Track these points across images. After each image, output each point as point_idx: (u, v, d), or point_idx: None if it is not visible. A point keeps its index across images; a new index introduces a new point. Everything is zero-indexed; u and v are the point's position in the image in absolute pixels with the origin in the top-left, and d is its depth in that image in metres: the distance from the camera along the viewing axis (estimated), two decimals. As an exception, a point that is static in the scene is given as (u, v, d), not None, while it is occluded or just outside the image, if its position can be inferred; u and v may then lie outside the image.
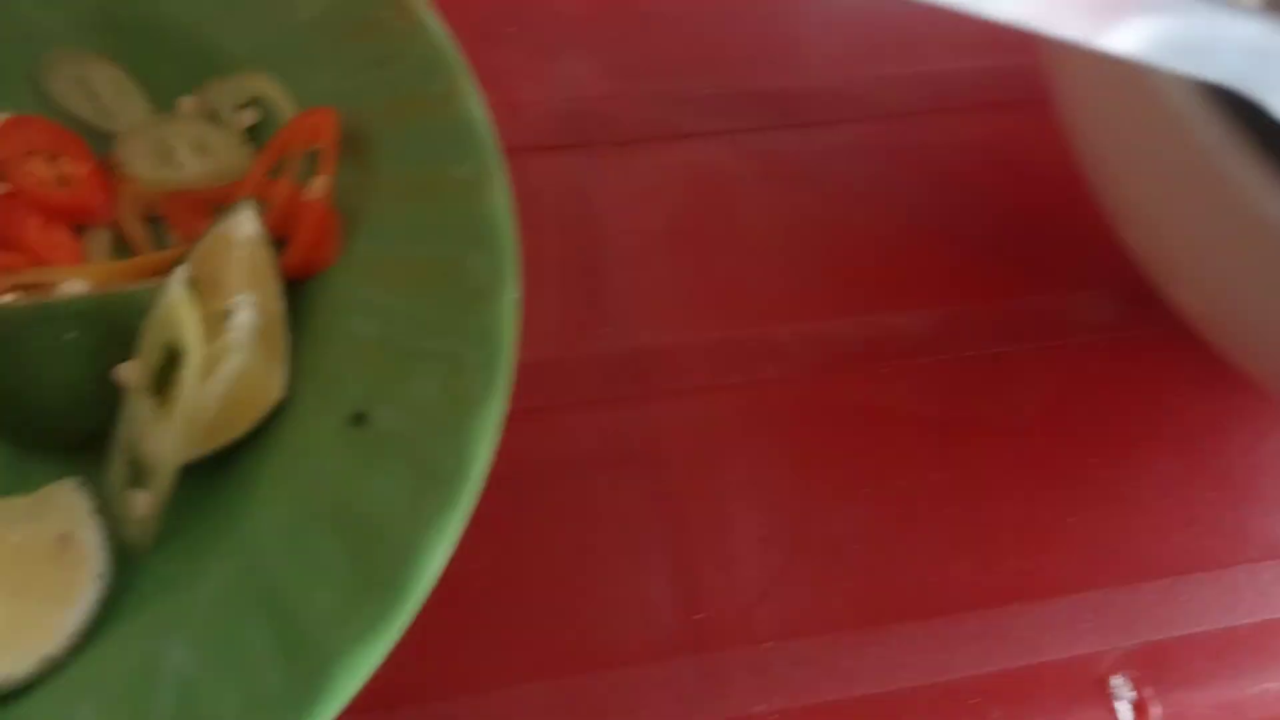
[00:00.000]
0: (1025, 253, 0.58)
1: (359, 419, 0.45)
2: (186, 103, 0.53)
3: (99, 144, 0.53)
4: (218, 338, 0.45)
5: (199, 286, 0.47)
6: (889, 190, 0.60)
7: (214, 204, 0.51)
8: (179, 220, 0.51)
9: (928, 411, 0.55)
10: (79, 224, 0.51)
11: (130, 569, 0.44)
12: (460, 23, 0.51)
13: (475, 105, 0.49)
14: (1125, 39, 0.34)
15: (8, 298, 0.46)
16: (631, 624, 0.49)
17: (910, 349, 0.56)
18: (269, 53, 0.52)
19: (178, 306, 0.45)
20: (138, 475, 0.44)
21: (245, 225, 0.47)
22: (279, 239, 0.49)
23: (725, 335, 0.56)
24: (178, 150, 0.51)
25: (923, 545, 0.52)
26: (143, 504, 0.44)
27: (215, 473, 0.45)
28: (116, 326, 0.45)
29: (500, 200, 0.47)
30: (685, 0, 0.62)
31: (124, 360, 0.45)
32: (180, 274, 0.45)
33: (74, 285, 0.46)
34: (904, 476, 0.54)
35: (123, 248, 0.51)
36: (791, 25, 0.63)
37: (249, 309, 0.45)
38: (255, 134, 0.52)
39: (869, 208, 0.59)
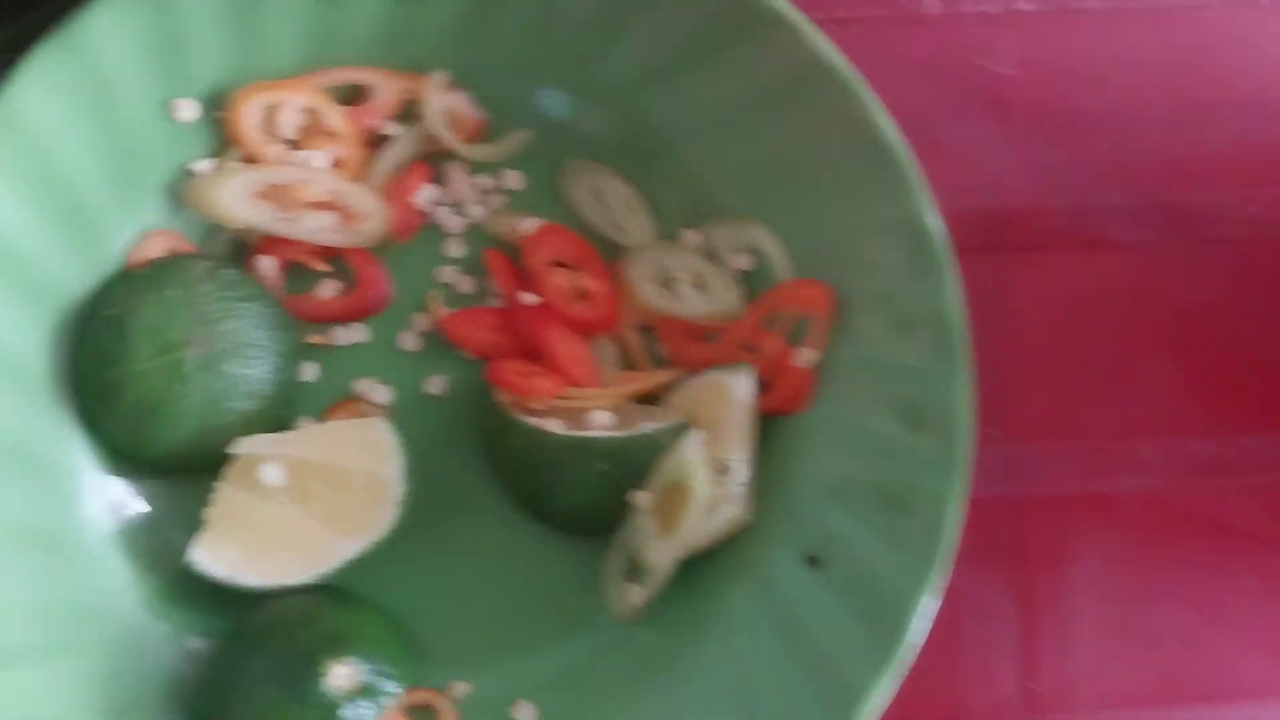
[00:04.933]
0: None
1: (814, 562, 0.59)
2: (690, 236, 0.64)
3: (607, 252, 0.65)
4: (721, 482, 0.59)
5: (703, 428, 0.60)
6: (1262, 310, 0.68)
7: (704, 332, 0.63)
8: (670, 338, 0.64)
9: (1262, 527, 0.67)
10: (591, 334, 0.64)
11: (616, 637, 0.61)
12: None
13: (952, 297, 0.58)
14: None
15: (553, 422, 0.61)
16: (977, 687, 0.65)
17: (1258, 467, 0.67)
18: (764, 203, 0.62)
19: (693, 462, 0.59)
20: (634, 571, 0.61)
21: (744, 387, 0.60)
22: (761, 381, 0.62)
23: (1094, 445, 0.67)
24: (679, 282, 0.63)
25: (1229, 642, 0.65)
26: (637, 595, 0.60)
27: (689, 572, 0.61)
28: (636, 461, 0.60)
29: (961, 396, 0.57)
30: (1103, 107, 0.68)
31: (635, 483, 0.60)
32: (697, 437, 0.59)
33: (602, 417, 0.61)
34: (1227, 583, 0.66)
35: (622, 354, 0.65)
36: (1201, 136, 0.69)
37: (745, 467, 0.60)
38: (749, 277, 0.63)
39: (1244, 326, 0.68)
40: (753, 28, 0.58)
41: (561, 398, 0.61)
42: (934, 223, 0.57)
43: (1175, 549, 0.66)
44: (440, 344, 0.63)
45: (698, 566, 0.60)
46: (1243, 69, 0.69)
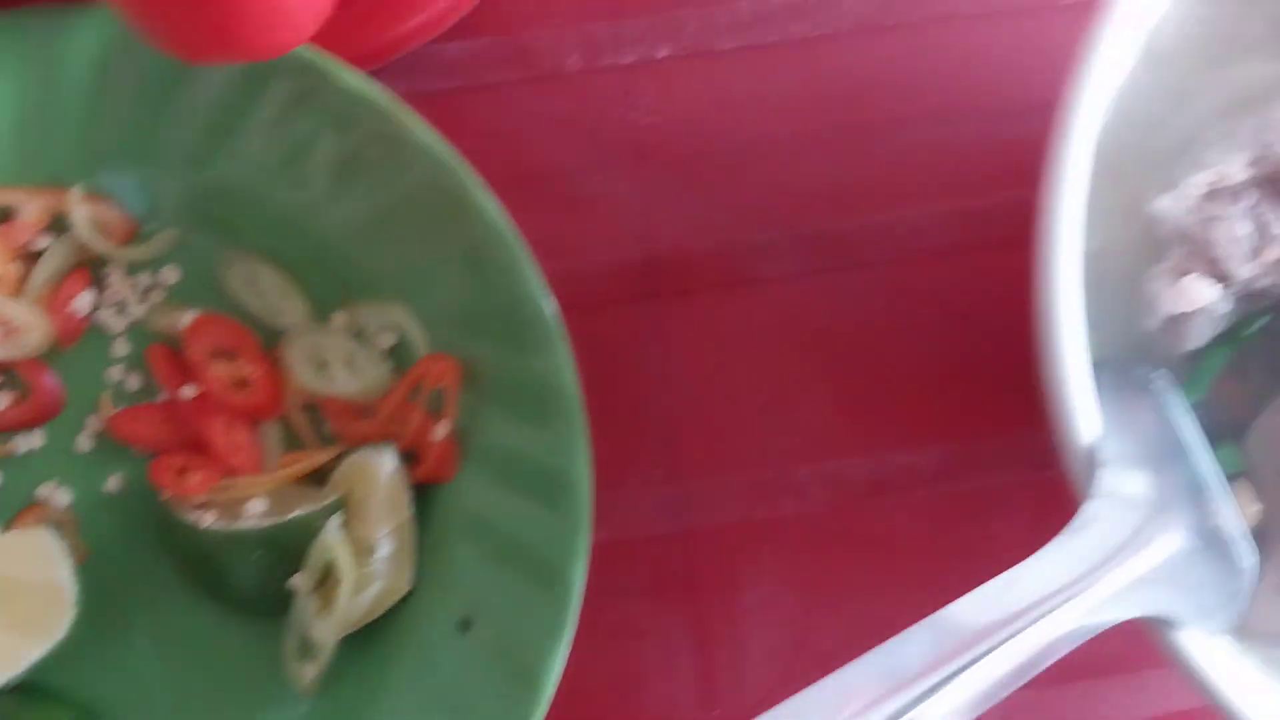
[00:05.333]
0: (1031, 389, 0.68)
1: (465, 625, 0.63)
2: (339, 318, 0.67)
3: (270, 337, 0.67)
4: (366, 561, 0.63)
5: (349, 507, 0.64)
6: (912, 330, 0.71)
7: (362, 409, 0.66)
8: (334, 416, 0.67)
9: (918, 540, 0.70)
10: (255, 420, 0.67)
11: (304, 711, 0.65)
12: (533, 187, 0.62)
13: (565, 370, 0.61)
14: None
15: (208, 516, 0.64)
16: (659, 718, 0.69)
17: (912, 483, 0.70)
18: (404, 282, 0.65)
19: (335, 545, 0.62)
20: (305, 650, 0.64)
21: (387, 464, 0.63)
22: (409, 452, 0.65)
23: (757, 475, 0.70)
24: (331, 364, 0.66)
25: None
26: (309, 672, 0.64)
27: (357, 641, 0.64)
28: (290, 546, 0.63)
29: (579, 463, 0.61)
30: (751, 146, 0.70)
31: (296, 568, 0.64)
32: (336, 520, 0.62)
33: (256, 505, 0.64)
34: (889, 596, 0.69)
35: (290, 434, 0.68)
36: (845, 163, 0.71)
37: (389, 543, 0.63)
38: (397, 354, 0.66)
39: (895, 348, 0.71)
40: (337, 111, 0.60)
41: (218, 488, 0.64)
42: (544, 302, 0.61)
43: (837, 567, 0.70)
44: (114, 443, 0.66)
45: (366, 636, 0.64)
46: (886, 94, 0.71)
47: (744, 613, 0.70)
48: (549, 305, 0.60)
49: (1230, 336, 0.61)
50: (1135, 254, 0.60)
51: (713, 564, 0.69)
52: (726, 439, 0.70)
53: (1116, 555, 0.50)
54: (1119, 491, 0.52)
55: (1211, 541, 0.58)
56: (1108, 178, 0.61)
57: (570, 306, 0.64)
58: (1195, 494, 0.58)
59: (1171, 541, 0.53)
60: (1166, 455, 0.57)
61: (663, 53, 0.71)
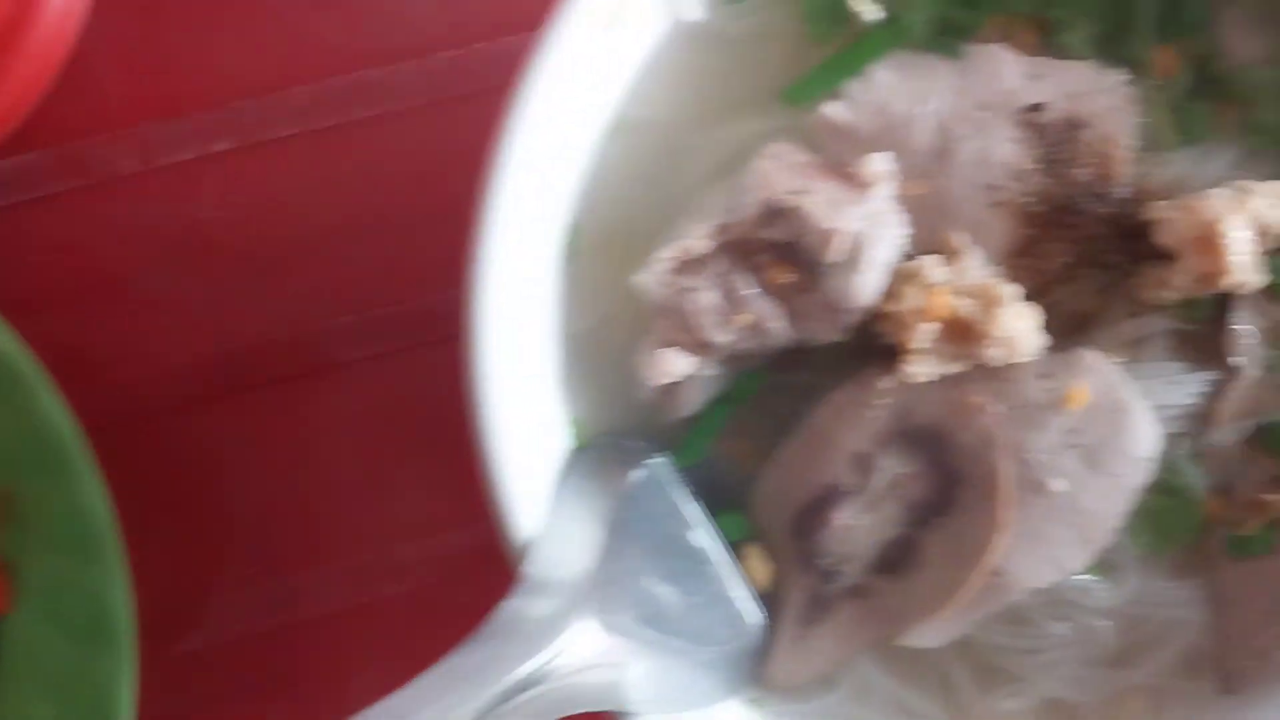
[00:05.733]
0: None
1: (34, 754, 0.63)
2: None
3: None
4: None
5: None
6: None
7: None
8: None
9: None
10: None
11: None
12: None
13: (94, 496, 0.61)
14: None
15: None
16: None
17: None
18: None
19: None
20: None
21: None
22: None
23: (355, 561, 0.70)
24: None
25: None
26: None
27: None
28: None
29: (117, 593, 0.61)
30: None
31: None
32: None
33: None
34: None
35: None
36: (419, 240, 0.70)
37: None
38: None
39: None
40: None
41: None
42: (65, 429, 0.61)
43: (444, 643, 0.69)
44: None
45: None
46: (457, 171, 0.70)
47: (352, 702, 0.69)
48: (70, 430, 0.60)
49: (728, 398, 0.60)
50: (632, 328, 0.59)
51: (318, 656, 0.69)
52: (323, 527, 0.70)
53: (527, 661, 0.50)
54: (551, 587, 0.51)
55: (713, 606, 0.58)
56: (599, 255, 0.60)
57: (153, 411, 0.64)
58: (693, 565, 0.57)
59: (611, 632, 0.52)
60: (651, 530, 0.56)
61: (222, 146, 0.70)
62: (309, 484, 0.69)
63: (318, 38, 0.69)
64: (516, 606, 0.50)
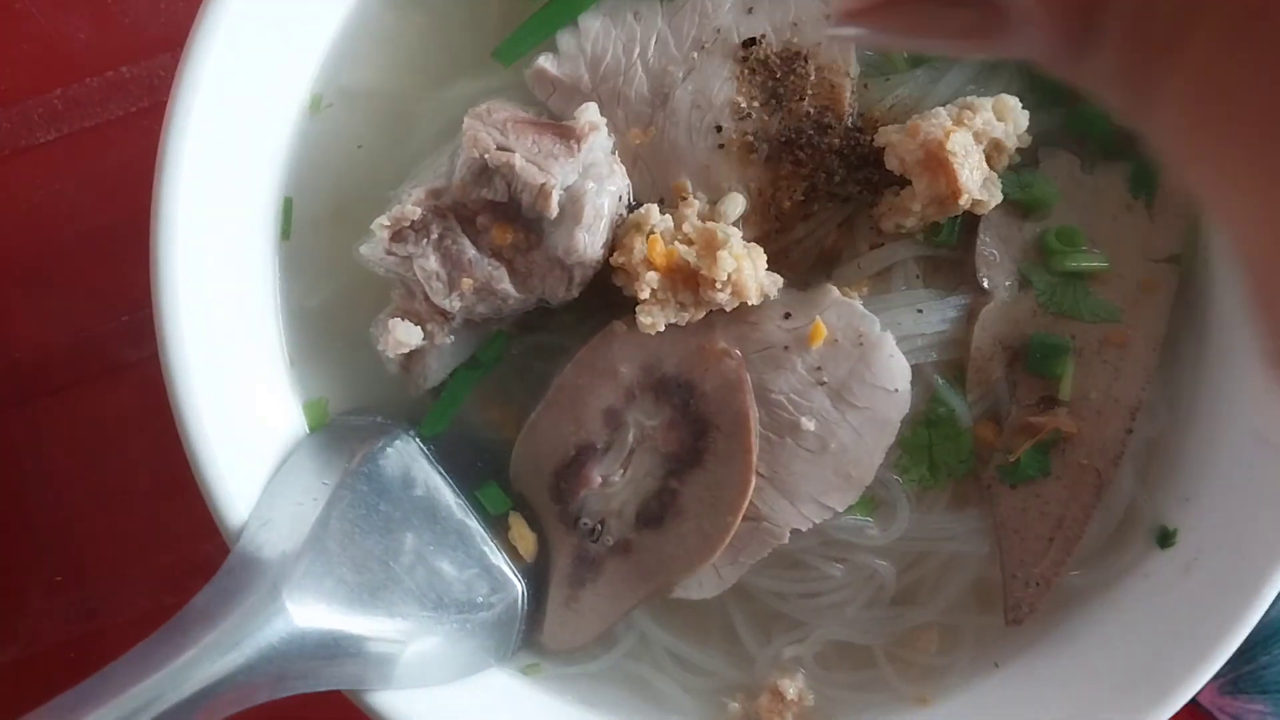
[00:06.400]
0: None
1: None
2: None
3: None
4: None
5: None
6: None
7: None
8: None
9: None
10: None
11: None
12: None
13: None
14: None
15: None
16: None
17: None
18: None
19: None
20: None
21: None
22: None
23: (161, 559, 0.70)
24: None
25: None
26: None
27: None
28: None
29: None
30: None
31: None
32: None
33: None
34: None
35: None
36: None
37: None
38: None
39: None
40: None
41: None
42: None
43: None
44: None
45: None
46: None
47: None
48: None
49: (475, 365, 0.59)
50: (374, 303, 0.58)
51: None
52: (127, 530, 0.69)
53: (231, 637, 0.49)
54: (256, 571, 0.50)
55: (478, 579, 0.57)
56: (327, 229, 0.59)
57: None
58: (452, 538, 0.56)
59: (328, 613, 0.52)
60: (400, 508, 0.55)
61: (-20, 157, 0.70)
62: (108, 488, 0.68)
63: (69, 39, 0.69)
64: (207, 597, 0.49)
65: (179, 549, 0.70)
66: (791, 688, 0.59)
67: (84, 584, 0.69)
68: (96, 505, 0.70)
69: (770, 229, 0.58)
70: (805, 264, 0.59)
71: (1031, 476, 0.59)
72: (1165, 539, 0.59)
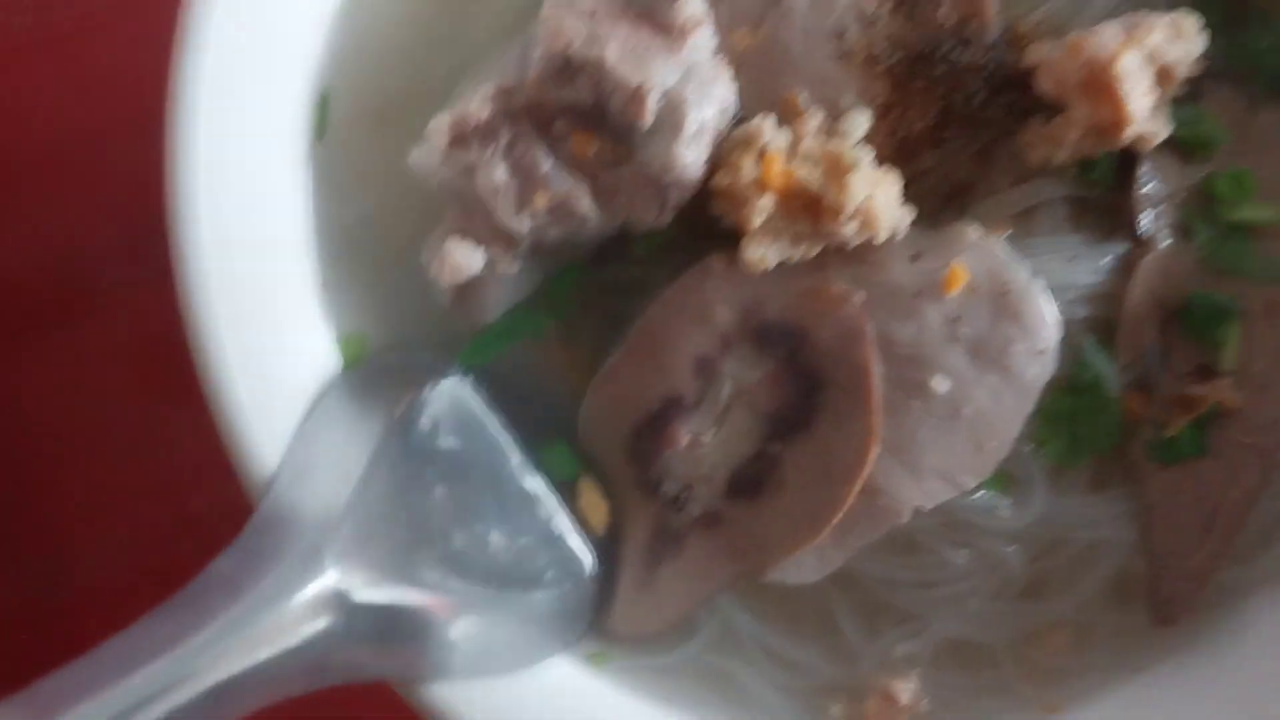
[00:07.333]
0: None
1: None
2: None
3: None
4: None
5: None
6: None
7: None
8: None
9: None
10: None
11: None
12: None
13: None
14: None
15: None
16: None
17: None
18: None
19: None
20: None
21: None
22: None
23: (143, 517, 0.60)
24: None
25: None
26: None
27: None
28: None
29: None
30: None
31: None
32: None
33: None
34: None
35: None
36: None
37: None
38: None
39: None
40: None
41: None
42: None
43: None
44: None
45: None
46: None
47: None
48: None
49: (546, 301, 0.49)
50: (418, 218, 0.48)
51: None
52: (101, 484, 0.60)
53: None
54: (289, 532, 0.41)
55: (541, 549, 0.48)
56: (366, 130, 0.49)
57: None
58: (513, 502, 0.47)
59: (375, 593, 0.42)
60: (455, 463, 0.46)
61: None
62: (81, 427, 0.58)
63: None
64: (231, 560, 0.39)
65: (166, 502, 0.60)
66: (905, 691, 0.50)
67: (49, 547, 0.60)
68: (66, 457, 0.60)
69: (896, 155, 0.49)
70: (934, 199, 0.50)
71: (1187, 455, 0.51)
72: (1340, 529, 0.50)
